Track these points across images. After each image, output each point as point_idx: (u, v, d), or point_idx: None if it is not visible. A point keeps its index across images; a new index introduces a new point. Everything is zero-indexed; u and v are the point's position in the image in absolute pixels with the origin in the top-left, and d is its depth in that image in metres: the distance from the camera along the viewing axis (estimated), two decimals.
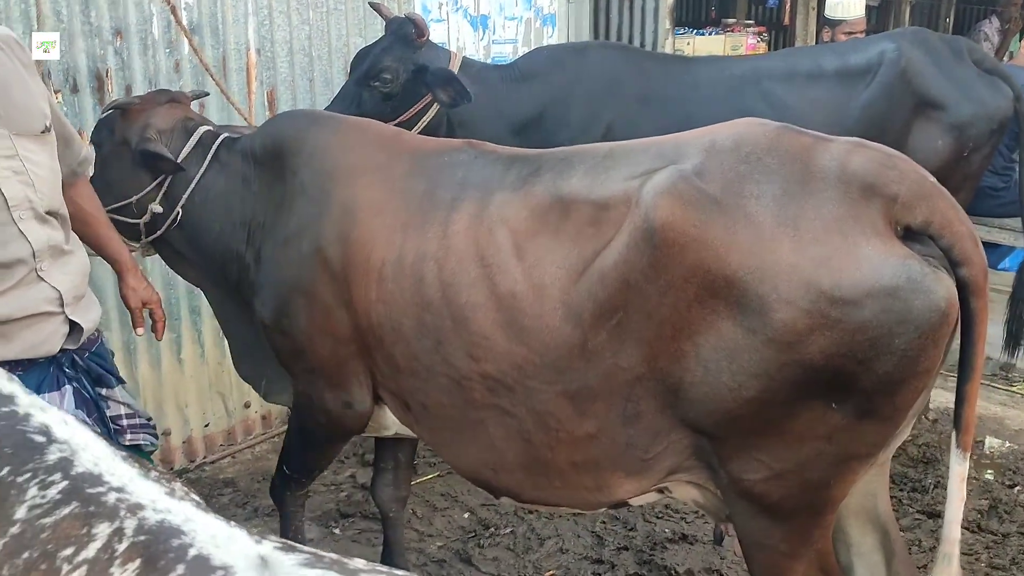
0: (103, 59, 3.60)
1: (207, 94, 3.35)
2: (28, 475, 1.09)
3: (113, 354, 2.43)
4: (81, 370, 2.17)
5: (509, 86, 3.89)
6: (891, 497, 2.44)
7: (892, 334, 1.83)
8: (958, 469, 1.97)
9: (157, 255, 3.00)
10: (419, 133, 3.70)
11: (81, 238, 2.37)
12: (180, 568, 0.99)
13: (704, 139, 2.07)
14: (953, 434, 1.98)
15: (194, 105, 3.03)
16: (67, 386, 2.12)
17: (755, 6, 9.19)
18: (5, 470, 1.09)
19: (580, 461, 2.21)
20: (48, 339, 2.07)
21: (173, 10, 3.45)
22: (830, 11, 5.58)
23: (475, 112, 3.82)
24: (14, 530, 1.05)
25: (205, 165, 2.72)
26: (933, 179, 1.97)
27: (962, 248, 1.89)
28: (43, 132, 2.07)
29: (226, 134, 2.80)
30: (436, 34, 4.79)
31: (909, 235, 1.89)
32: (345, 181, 2.45)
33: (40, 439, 1.13)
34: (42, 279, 2.03)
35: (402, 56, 3.70)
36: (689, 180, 1.97)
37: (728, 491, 2.10)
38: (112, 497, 1.07)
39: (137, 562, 1.01)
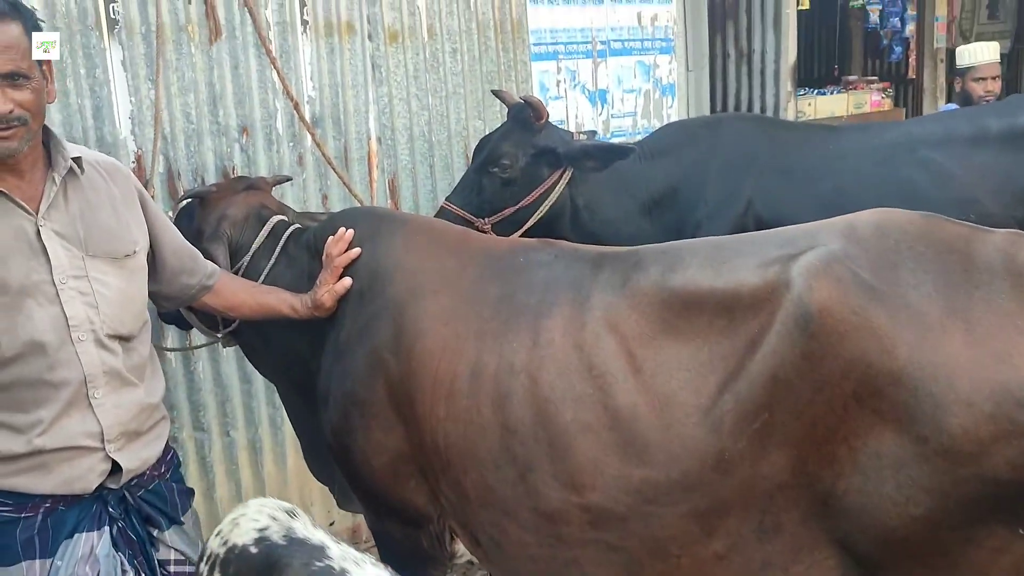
0: (229, 156, 3.59)
1: (289, 179, 3.27)
2: None
3: (192, 492, 2.27)
4: (131, 508, 2.04)
5: (638, 164, 3.71)
6: None
7: None
8: None
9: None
10: (543, 216, 3.57)
11: (250, 317, 2.39)
12: None
13: (839, 226, 1.90)
14: None
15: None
16: (107, 527, 1.98)
17: (871, 59, 8.83)
18: None
19: None
20: (84, 476, 1.95)
21: (296, 106, 3.42)
22: (959, 59, 5.28)
23: (602, 192, 3.66)
24: None
25: (274, 258, 2.59)
26: None
27: None
28: (126, 257, 2.02)
29: (296, 225, 2.67)
30: (554, 111, 4.67)
31: None
32: (407, 285, 2.25)
33: None
34: (91, 407, 1.94)
35: (521, 140, 3.58)
36: (844, 262, 1.78)
37: None
38: None
39: None
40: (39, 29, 1.86)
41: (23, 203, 1.88)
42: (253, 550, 1.08)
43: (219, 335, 2.73)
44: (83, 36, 3.19)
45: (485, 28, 4.37)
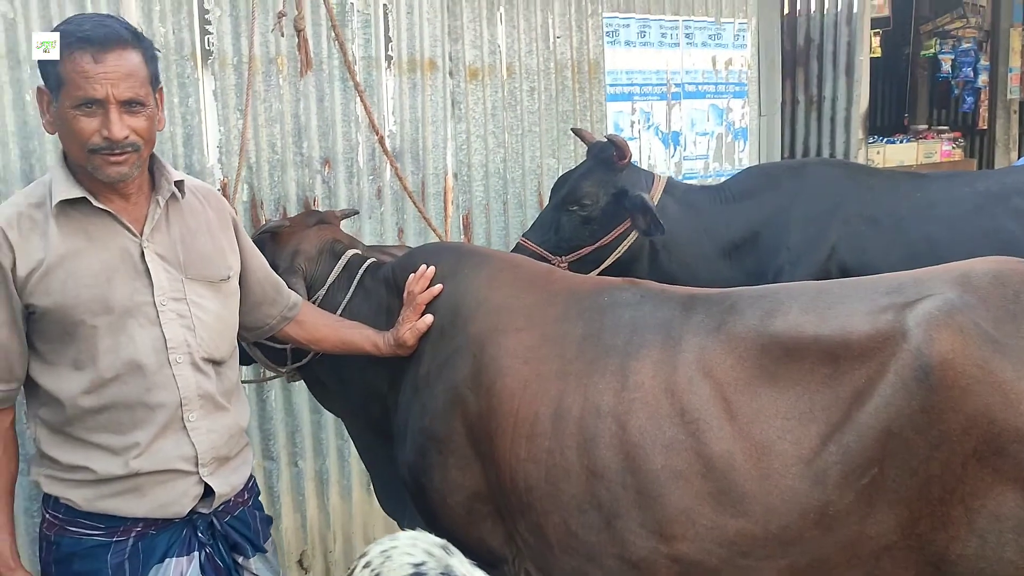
0: (311, 187, 3.62)
1: (356, 212, 3.26)
2: None
3: (271, 519, 2.24)
4: (219, 535, 2.02)
5: (719, 207, 3.66)
6: None
7: None
8: None
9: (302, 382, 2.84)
10: (620, 257, 3.52)
11: (331, 352, 2.38)
12: None
13: (954, 273, 1.85)
14: None
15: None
16: (196, 552, 1.96)
17: (937, 109, 8.70)
18: None
19: None
20: (178, 500, 1.93)
21: (381, 139, 3.43)
22: None
23: (681, 235, 3.60)
24: None
25: (351, 292, 2.55)
26: None
27: None
28: (221, 281, 2.03)
29: (372, 259, 2.64)
30: None
31: None
32: (489, 322, 2.20)
33: None
34: (185, 430, 1.93)
35: (603, 180, 3.55)
36: (965, 312, 1.72)
37: None
38: None
39: None
40: (156, 60, 1.88)
41: (129, 224, 1.89)
42: None
43: (284, 370, 2.68)
44: (178, 66, 3.26)
45: (563, 68, 4.38)
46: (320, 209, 3.64)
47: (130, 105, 1.79)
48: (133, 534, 1.90)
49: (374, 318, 2.49)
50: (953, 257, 3.24)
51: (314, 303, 2.57)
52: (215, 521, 2.01)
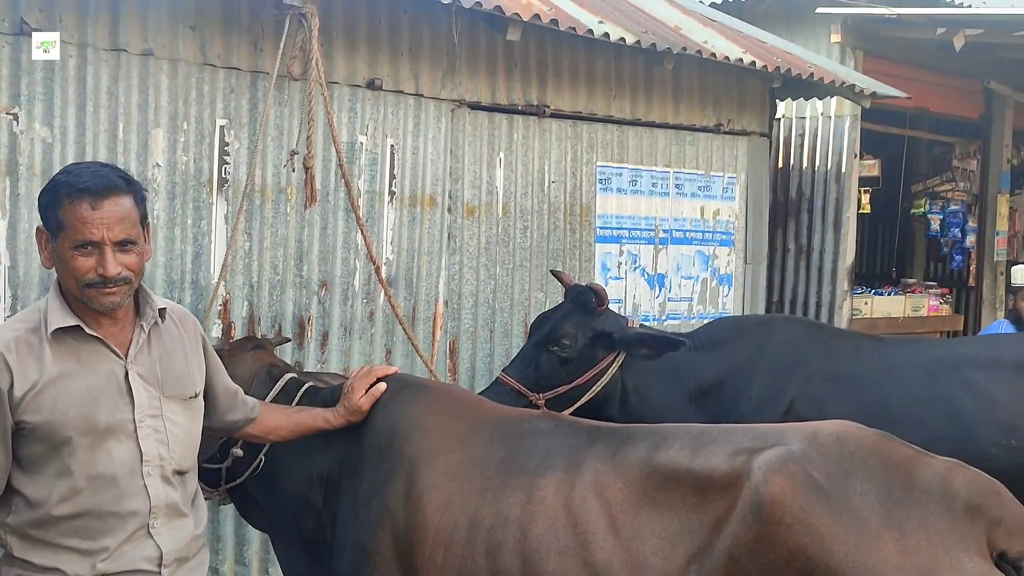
0: (307, 307, 3.87)
1: (288, 340, 3.44)
2: None
3: None
4: None
5: (689, 354, 3.85)
6: None
7: None
8: None
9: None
10: (595, 396, 3.70)
11: (287, 438, 2.55)
12: None
13: (805, 430, 2.15)
14: None
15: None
16: None
17: (935, 265, 8.98)
18: None
19: None
20: None
21: (377, 268, 3.70)
22: (1013, 278, 5.45)
23: (651, 378, 3.79)
24: None
25: None
26: None
27: None
28: (191, 398, 2.22)
29: (310, 383, 2.80)
30: (614, 291, 4.89)
31: (999, 562, 1.93)
32: (423, 444, 2.43)
33: None
34: (151, 536, 2.07)
35: (581, 323, 3.76)
36: (800, 462, 2.01)
37: None
38: None
39: None
40: (145, 200, 2.13)
41: (116, 348, 2.09)
42: None
43: (216, 492, 2.82)
44: (195, 191, 3.56)
45: (556, 210, 4.68)
46: (315, 327, 3.89)
47: (123, 244, 2.01)
48: None
49: (310, 439, 2.64)
50: (903, 421, 3.43)
51: None
52: None
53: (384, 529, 2.37)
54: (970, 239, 7.71)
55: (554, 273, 4.12)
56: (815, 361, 3.77)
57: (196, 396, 2.24)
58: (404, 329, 3.88)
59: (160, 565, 2.09)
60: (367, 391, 2.54)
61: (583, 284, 3.89)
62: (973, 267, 8.04)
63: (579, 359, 3.72)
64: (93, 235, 1.96)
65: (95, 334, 2.05)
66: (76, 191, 1.97)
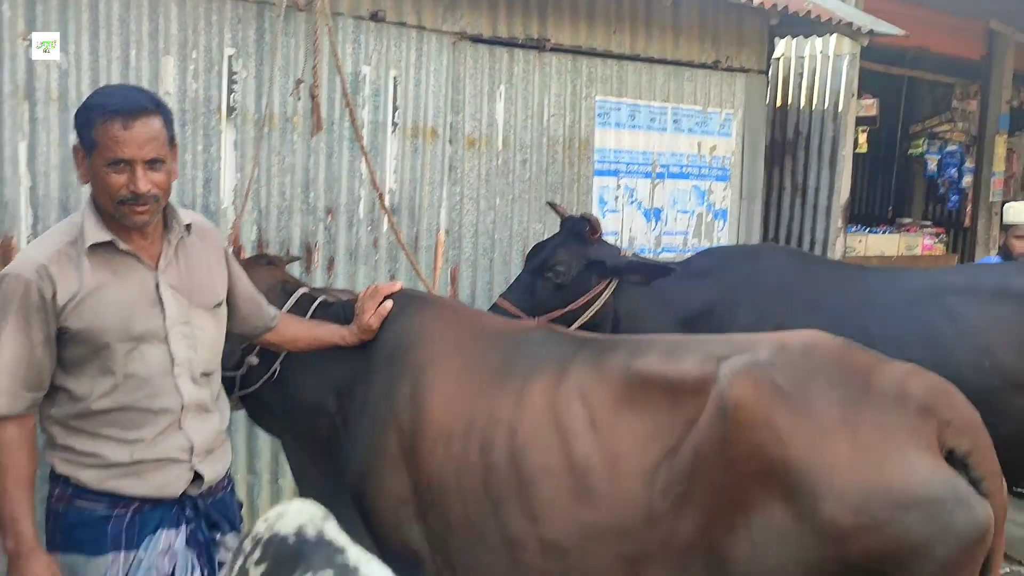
0: (314, 233, 4.03)
1: (298, 259, 3.60)
2: None
3: (241, 504, 2.58)
4: (201, 514, 2.35)
5: (680, 282, 4.01)
6: None
7: (935, 543, 1.95)
8: None
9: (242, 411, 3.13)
10: (587, 321, 3.87)
11: (305, 349, 2.74)
12: None
13: (775, 339, 2.32)
14: None
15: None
16: (183, 526, 2.30)
17: (933, 205, 9.09)
18: None
19: None
20: (173, 483, 2.27)
21: (380, 196, 3.84)
22: (1005, 215, 5.55)
23: (642, 305, 3.95)
24: None
25: None
26: (979, 415, 2.17)
27: (992, 483, 2.06)
28: (215, 306, 2.40)
29: (323, 297, 2.97)
30: (610, 224, 5.05)
31: (949, 458, 2.07)
32: (428, 352, 2.62)
33: None
34: (182, 430, 2.28)
35: (575, 251, 3.91)
36: (763, 368, 2.18)
37: None
38: None
39: None
40: (172, 122, 2.28)
41: (147, 262, 2.27)
42: (290, 540, 1.38)
43: (229, 400, 2.91)
44: (205, 119, 3.69)
45: (555, 143, 4.80)
46: (322, 254, 4.05)
47: (152, 163, 2.16)
48: (131, 509, 2.24)
49: (325, 348, 2.83)
50: (885, 343, 3.59)
51: None
52: (199, 502, 2.36)
53: (391, 428, 2.57)
54: (967, 180, 7.82)
55: (551, 205, 4.26)
56: (800, 289, 3.93)
57: (220, 304, 2.43)
58: (407, 255, 4.04)
59: (191, 455, 2.30)
60: (375, 310, 2.71)
61: (578, 215, 4.04)
62: (969, 208, 8.15)
63: (573, 286, 3.88)
64: (124, 153, 2.11)
65: (127, 248, 2.22)
66: (109, 112, 2.11)
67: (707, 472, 2.13)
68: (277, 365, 2.88)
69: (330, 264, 4.10)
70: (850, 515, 1.98)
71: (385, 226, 4.19)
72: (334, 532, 1.43)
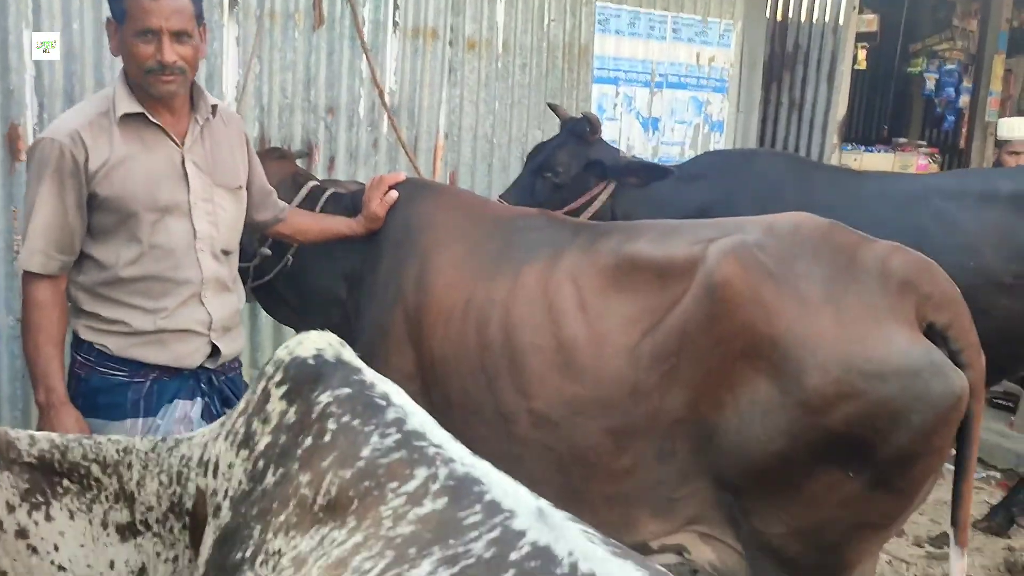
0: (315, 132, 4.07)
1: (307, 153, 3.68)
2: (372, 427, 1.40)
3: (247, 385, 2.69)
4: (215, 390, 2.47)
5: (677, 184, 4.06)
6: None
7: (911, 410, 2.03)
8: (959, 563, 2.20)
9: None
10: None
11: (314, 240, 2.83)
12: (477, 507, 1.25)
13: (764, 220, 2.36)
14: (951, 531, 2.22)
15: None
16: (199, 399, 2.41)
17: (929, 128, 9.11)
18: (356, 421, 1.41)
19: (612, 494, 2.34)
20: (192, 354, 2.39)
21: (380, 93, 3.87)
22: (999, 131, 5.56)
23: (638, 207, 4.01)
24: (360, 464, 1.36)
25: None
26: (958, 289, 2.24)
27: (970, 354, 2.13)
28: (237, 188, 2.50)
29: (332, 189, 3.06)
30: (609, 132, 5.08)
31: (928, 332, 2.13)
32: (434, 237, 2.70)
33: (382, 402, 1.45)
34: (202, 303, 2.39)
35: (575, 151, 3.95)
36: (750, 248, 2.22)
37: (748, 544, 2.21)
38: (432, 450, 1.37)
39: (445, 499, 1.28)
40: (201, 1, 2.31)
41: (174, 136, 2.35)
42: (310, 362, 1.48)
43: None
44: (207, 13, 3.66)
45: (554, 48, 4.81)
46: (323, 152, 4.09)
47: (179, 36, 2.22)
48: (151, 378, 2.34)
49: (334, 242, 2.92)
50: None
51: None
52: (214, 378, 2.47)
53: (398, 309, 2.67)
54: (963, 99, 7.81)
55: (551, 106, 4.28)
56: (793, 193, 3.99)
57: (241, 188, 2.52)
58: (407, 153, 4.09)
59: (209, 329, 2.40)
60: (381, 199, 2.79)
61: (579, 115, 4.07)
62: (965, 129, 8.17)
63: (571, 186, 3.94)
64: (152, 23, 2.17)
65: (156, 121, 2.30)
66: None
67: (694, 350, 2.19)
68: (290, 256, 2.98)
69: (331, 164, 4.14)
70: (832, 386, 2.06)
71: (385, 127, 4.22)
72: (351, 356, 1.53)
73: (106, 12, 2.37)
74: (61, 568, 1.61)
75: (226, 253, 2.46)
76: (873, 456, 2.05)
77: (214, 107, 2.42)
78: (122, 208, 2.26)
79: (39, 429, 2.31)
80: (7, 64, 3.29)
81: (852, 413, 2.05)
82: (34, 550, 1.60)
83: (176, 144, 2.34)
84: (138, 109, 2.27)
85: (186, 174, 2.34)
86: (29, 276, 2.26)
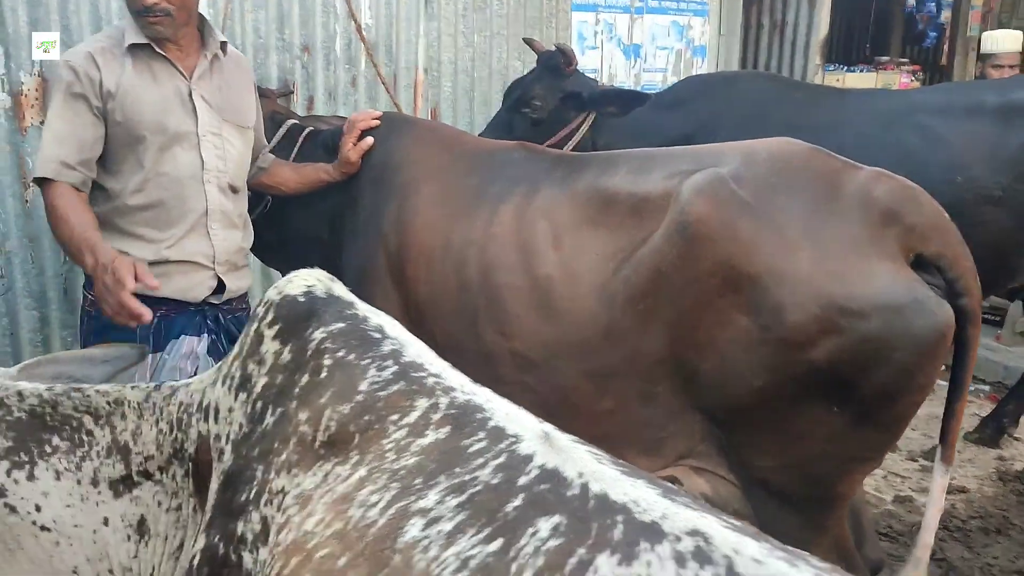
0: (291, 72, 3.98)
1: (290, 92, 3.63)
2: (368, 360, 1.39)
3: None
4: (222, 328, 2.50)
5: (658, 112, 4.02)
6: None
7: (893, 347, 1.98)
8: (940, 480, 2.16)
9: None
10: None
11: (295, 190, 2.83)
12: (481, 434, 1.25)
13: (743, 149, 2.25)
14: (939, 448, 2.19)
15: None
16: (205, 335, 2.45)
17: (910, 45, 9.00)
18: (352, 356, 1.40)
19: (599, 435, 2.31)
20: (196, 287, 2.43)
21: (358, 28, 3.78)
22: (983, 45, 5.49)
23: (619, 137, 3.96)
24: (358, 398, 1.35)
25: (292, 157, 2.95)
26: (947, 215, 2.13)
27: (966, 281, 2.06)
28: (246, 127, 2.55)
29: (311, 127, 3.03)
30: (590, 60, 5.01)
31: (919, 262, 2.05)
32: (411, 175, 2.67)
33: (377, 335, 1.44)
34: (207, 235, 2.43)
35: (551, 85, 3.89)
36: (725, 182, 2.12)
37: (741, 477, 2.22)
38: (431, 380, 1.37)
39: (448, 428, 1.27)
40: None
41: (182, 69, 2.39)
42: (300, 299, 1.47)
43: None
44: None
45: None
46: (300, 93, 4.02)
47: None
48: (157, 315, 2.34)
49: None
50: (860, 162, 3.67)
51: None
52: (220, 316, 2.49)
53: (380, 250, 2.64)
54: (945, 14, 7.71)
55: (527, 41, 4.20)
56: (777, 114, 3.95)
57: (249, 128, 2.57)
58: (387, 88, 4.02)
59: (214, 263, 2.44)
60: (356, 145, 2.75)
61: (553, 48, 4.01)
62: (946, 47, 8.08)
63: (550, 120, 3.88)
64: None
65: (163, 53, 2.36)
66: None
67: (669, 290, 2.13)
68: (269, 197, 2.95)
69: (309, 104, 4.07)
70: (813, 324, 2.00)
71: (363, 64, 4.14)
72: (342, 290, 1.51)
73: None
74: (44, 528, 1.59)
75: (234, 190, 2.51)
76: (857, 392, 2.01)
77: (223, 44, 2.48)
78: (130, 133, 2.33)
79: (89, 305, 2.38)
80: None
81: (834, 350, 2.00)
82: (12, 509, 1.58)
83: (184, 76, 2.40)
84: (144, 40, 2.33)
85: (194, 107, 2.40)
86: (47, 185, 2.29)
